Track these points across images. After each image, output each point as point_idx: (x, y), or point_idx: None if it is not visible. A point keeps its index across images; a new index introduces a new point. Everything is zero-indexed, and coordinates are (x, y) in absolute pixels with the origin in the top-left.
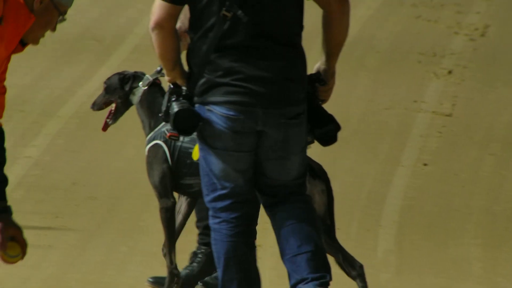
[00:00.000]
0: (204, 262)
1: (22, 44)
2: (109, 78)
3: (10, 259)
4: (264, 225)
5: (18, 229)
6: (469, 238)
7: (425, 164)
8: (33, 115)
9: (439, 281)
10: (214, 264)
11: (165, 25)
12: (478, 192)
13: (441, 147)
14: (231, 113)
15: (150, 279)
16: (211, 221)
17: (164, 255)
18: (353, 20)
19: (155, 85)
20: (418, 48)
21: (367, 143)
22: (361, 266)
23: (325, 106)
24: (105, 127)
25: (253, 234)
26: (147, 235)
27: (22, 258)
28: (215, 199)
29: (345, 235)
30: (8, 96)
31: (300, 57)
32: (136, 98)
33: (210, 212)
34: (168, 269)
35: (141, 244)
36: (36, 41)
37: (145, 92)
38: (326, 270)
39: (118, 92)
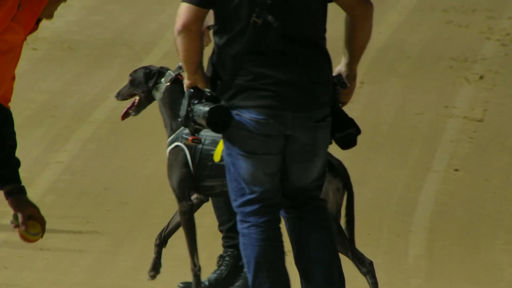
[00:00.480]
0: (232, 265)
1: (36, 22)
2: (135, 71)
3: (32, 237)
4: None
5: (35, 207)
6: (500, 244)
7: (456, 170)
8: (64, 120)
9: (470, 287)
10: (241, 266)
11: (192, 27)
12: (509, 197)
13: (472, 153)
14: (261, 117)
15: (181, 285)
16: (240, 226)
17: (152, 278)
18: (384, 26)
19: (177, 81)
20: (450, 53)
21: (398, 149)
22: (370, 263)
23: (357, 111)
24: (125, 116)
25: (281, 238)
26: (177, 240)
27: (42, 236)
28: (244, 204)
29: (375, 241)
30: (40, 101)
31: (326, 60)
32: (158, 94)
33: (239, 217)
34: (192, 271)
35: (171, 249)
36: (50, 16)
37: (167, 88)
38: (340, 283)
39: (142, 86)
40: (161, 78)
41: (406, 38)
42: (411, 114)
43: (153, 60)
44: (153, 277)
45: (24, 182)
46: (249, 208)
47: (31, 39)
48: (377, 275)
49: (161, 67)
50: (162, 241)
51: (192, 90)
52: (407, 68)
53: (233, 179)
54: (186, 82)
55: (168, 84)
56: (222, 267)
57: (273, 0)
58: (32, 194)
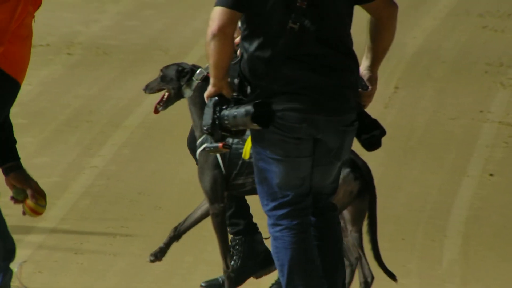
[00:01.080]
0: (243, 252)
1: None
2: (167, 67)
3: (42, 209)
4: None
5: (35, 181)
6: None
7: (491, 175)
8: (99, 125)
9: None
10: (252, 251)
11: (227, 31)
12: None
13: (508, 157)
14: (294, 121)
15: (203, 284)
16: (272, 230)
17: (151, 261)
18: (419, 31)
19: (207, 80)
20: (485, 58)
21: (432, 153)
22: (357, 258)
23: (391, 116)
24: (156, 111)
25: (312, 241)
26: (211, 245)
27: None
28: (276, 208)
29: (410, 246)
30: (75, 106)
31: (355, 64)
32: (189, 91)
33: (270, 221)
34: (225, 274)
35: (205, 254)
36: None
37: (198, 86)
38: None
39: (173, 83)
40: (193, 76)
41: (441, 42)
42: (446, 119)
43: None
44: (152, 261)
45: (58, 187)
46: (281, 212)
47: (66, 44)
48: (411, 280)
49: (193, 65)
50: (176, 235)
51: (217, 98)
52: (442, 72)
53: (264, 184)
54: (210, 89)
55: (199, 82)
56: (235, 257)
57: (308, 5)
58: (67, 199)
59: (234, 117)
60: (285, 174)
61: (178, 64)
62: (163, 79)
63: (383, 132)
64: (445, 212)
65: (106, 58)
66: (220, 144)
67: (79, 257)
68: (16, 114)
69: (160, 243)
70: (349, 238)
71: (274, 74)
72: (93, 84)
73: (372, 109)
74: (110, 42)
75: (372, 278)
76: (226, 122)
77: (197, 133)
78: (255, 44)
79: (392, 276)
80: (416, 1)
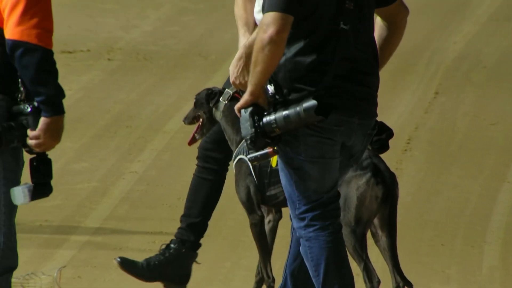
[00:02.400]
0: (174, 256)
1: None
2: (199, 93)
3: None
4: (368, 240)
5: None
6: None
7: None
8: (139, 130)
9: None
10: (182, 264)
11: (284, 36)
12: None
13: None
14: (332, 123)
15: None
16: (305, 231)
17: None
18: (460, 36)
19: (235, 99)
20: None
21: (472, 159)
22: (378, 281)
23: (431, 121)
24: (192, 141)
25: (343, 240)
26: (250, 251)
27: None
28: (309, 210)
29: (449, 251)
30: (115, 111)
31: (378, 68)
32: (219, 113)
33: (302, 223)
34: (266, 283)
35: (244, 260)
36: None
37: (226, 106)
38: None
39: (204, 107)
40: (220, 98)
41: (482, 48)
42: (486, 124)
43: (228, 71)
44: None
45: (98, 192)
46: (314, 213)
47: (107, 49)
48: (450, 286)
49: (223, 88)
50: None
51: (252, 108)
52: (482, 78)
53: (297, 187)
54: (246, 99)
55: (227, 102)
56: (162, 257)
57: (354, 6)
58: (106, 204)
59: (286, 118)
60: (320, 176)
61: (208, 88)
62: (196, 104)
63: (390, 135)
64: (484, 218)
65: (146, 64)
66: (269, 150)
67: None
68: None
69: (199, 249)
70: (381, 242)
71: (318, 77)
72: (133, 89)
73: (412, 115)
74: (150, 48)
75: (379, 281)
76: (274, 126)
77: (233, 149)
78: (296, 48)
79: (409, 284)
80: (456, 6)
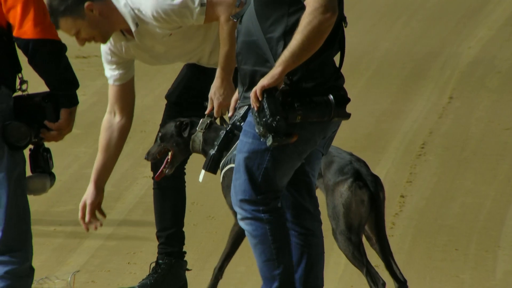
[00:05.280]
0: (167, 273)
1: None
2: (163, 127)
3: None
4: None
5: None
6: None
7: None
8: (153, 135)
9: None
10: (177, 275)
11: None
12: None
13: None
14: (326, 116)
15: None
16: (264, 215)
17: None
18: (474, 41)
19: (211, 126)
20: None
21: (487, 164)
22: (383, 284)
23: (445, 125)
24: (160, 176)
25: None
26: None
27: None
28: (271, 197)
29: (463, 256)
30: None
31: None
32: (197, 143)
33: (257, 207)
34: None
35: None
36: None
37: (205, 133)
38: None
39: (174, 139)
40: (195, 128)
41: (496, 52)
42: (500, 129)
43: None
44: None
45: (112, 197)
46: (273, 200)
47: None
48: None
49: (191, 118)
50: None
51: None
52: (497, 82)
53: (265, 173)
54: (274, 78)
55: (205, 130)
56: (156, 275)
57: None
58: (120, 209)
59: (313, 108)
60: (291, 166)
61: (174, 121)
62: (163, 138)
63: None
64: (499, 223)
65: (160, 68)
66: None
67: (132, 266)
68: None
69: (212, 252)
70: (376, 246)
71: (326, 69)
72: (147, 94)
73: (426, 119)
74: None
75: (384, 283)
76: (299, 113)
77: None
78: None
79: (402, 284)
80: (471, 11)
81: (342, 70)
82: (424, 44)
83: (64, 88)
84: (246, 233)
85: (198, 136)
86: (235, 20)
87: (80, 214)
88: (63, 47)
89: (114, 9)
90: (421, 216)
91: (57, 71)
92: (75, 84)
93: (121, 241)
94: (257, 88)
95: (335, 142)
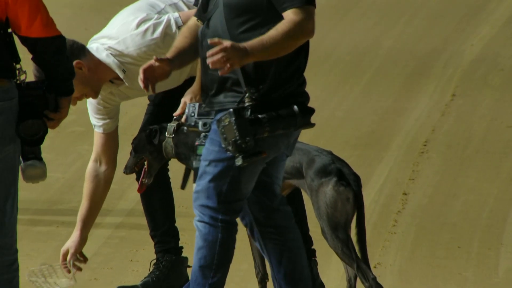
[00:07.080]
0: (168, 271)
1: None
2: (135, 138)
3: None
4: (384, 242)
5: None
6: None
7: None
8: None
9: None
10: (178, 272)
11: None
12: None
13: None
14: (292, 126)
15: None
16: (221, 224)
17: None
18: (477, 39)
19: (179, 129)
20: None
21: (490, 162)
22: (374, 279)
23: (448, 123)
24: (141, 187)
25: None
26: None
27: None
28: (234, 207)
29: (466, 254)
30: (132, 114)
31: None
32: (169, 148)
33: (222, 215)
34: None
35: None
36: None
37: (174, 138)
38: None
39: (147, 148)
40: (164, 134)
41: (499, 50)
42: (503, 127)
43: None
44: None
45: (114, 194)
46: (235, 208)
47: None
48: None
49: (160, 124)
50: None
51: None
52: (499, 80)
53: (232, 182)
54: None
55: (173, 135)
56: (158, 272)
57: None
58: (123, 206)
59: (279, 120)
60: (255, 175)
61: (143, 131)
62: (136, 150)
63: None
64: (501, 221)
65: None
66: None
67: (134, 264)
68: (73, 122)
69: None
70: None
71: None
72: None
73: (429, 117)
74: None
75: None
76: (266, 128)
77: (194, 161)
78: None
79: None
80: (473, 9)
81: (346, 68)
82: (427, 42)
83: (66, 78)
84: (197, 232)
85: (169, 142)
86: (199, 23)
87: (61, 259)
88: (65, 40)
89: (99, 62)
90: (424, 214)
91: (63, 64)
92: (74, 73)
93: (123, 239)
94: (227, 44)
95: (337, 141)
